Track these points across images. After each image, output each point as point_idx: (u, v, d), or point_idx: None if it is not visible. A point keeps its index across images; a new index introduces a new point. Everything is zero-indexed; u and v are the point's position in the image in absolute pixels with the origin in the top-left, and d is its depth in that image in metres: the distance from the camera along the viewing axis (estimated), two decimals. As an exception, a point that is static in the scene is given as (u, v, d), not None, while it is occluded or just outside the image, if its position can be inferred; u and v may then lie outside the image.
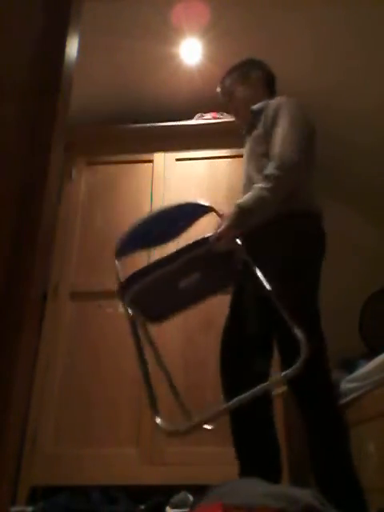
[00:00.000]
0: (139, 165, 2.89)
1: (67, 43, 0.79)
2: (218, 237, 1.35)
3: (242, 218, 1.42)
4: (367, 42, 2.61)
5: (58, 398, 2.31)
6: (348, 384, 2.29)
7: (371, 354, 2.35)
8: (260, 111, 1.73)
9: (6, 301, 0.61)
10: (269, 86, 1.94)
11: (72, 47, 0.83)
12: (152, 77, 2.93)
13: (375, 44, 2.61)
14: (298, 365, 1.05)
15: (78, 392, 2.32)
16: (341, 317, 2.86)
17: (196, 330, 2.43)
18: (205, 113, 3.00)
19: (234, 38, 2.65)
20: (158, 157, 2.91)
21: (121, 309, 2.47)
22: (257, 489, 0.75)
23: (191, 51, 2.76)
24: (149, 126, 2.94)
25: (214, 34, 2.63)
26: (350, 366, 2.46)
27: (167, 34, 2.64)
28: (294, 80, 2.89)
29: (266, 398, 1.46)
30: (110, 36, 2.62)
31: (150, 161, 2.86)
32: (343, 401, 2.29)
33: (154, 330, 2.43)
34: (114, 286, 2.52)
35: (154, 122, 2.96)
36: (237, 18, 2.53)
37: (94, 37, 2.56)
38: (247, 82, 1.90)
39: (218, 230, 1.37)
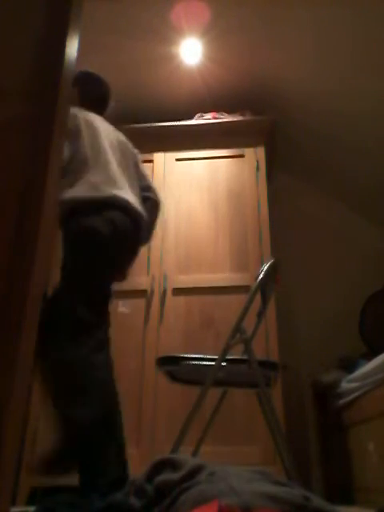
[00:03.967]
0: (139, 165, 2.89)
1: (67, 43, 0.79)
2: None
3: None
4: (369, 43, 2.60)
5: (58, 397, 2.31)
6: (348, 384, 2.29)
7: (371, 353, 2.35)
8: None
9: (6, 301, 0.61)
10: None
11: (72, 47, 0.83)
12: (152, 77, 2.93)
13: (377, 45, 2.61)
14: None
15: (77, 392, 2.32)
16: (341, 317, 2.87)
17: (196, 329, 2.43)
18: (205, 113, 3.01)
19: (234, 37, 2.65)
20: (158, 157, 2.91)
21: (120, 309, 2.47)
22: (255, 486, 0.73)
23: (191, 51, 2.76)
24: (149, 125, 2.94)
25: (214, 33, 2.63)
26: (350, 366, 2.46)
27: (167, 34, 2.64)
28: (295, 81, 2.89)
29: None
30: (110, 36, 2.63)
31: (150, 161, 2.86)
32: (343, 401, 2.30)
33: (153, 330, 2.44)
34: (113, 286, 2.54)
35: (153, 122, 2.96)
36: (237, 17, 2.52)
37: (94, 37, 2.56)
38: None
39: None
